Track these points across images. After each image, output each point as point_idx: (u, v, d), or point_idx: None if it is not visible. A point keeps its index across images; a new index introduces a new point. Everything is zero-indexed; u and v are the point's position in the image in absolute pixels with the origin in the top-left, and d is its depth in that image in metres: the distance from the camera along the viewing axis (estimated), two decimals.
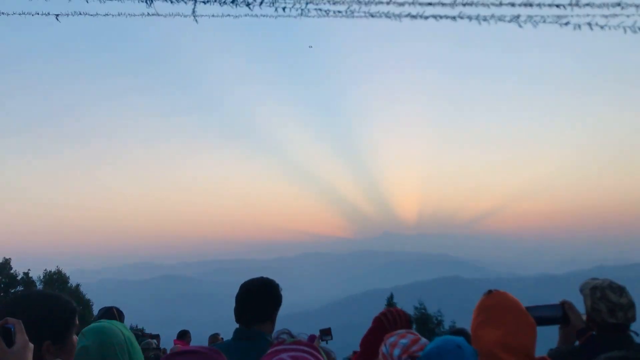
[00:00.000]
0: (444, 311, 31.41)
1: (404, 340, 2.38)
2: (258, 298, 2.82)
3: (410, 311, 30.75)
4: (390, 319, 3.43)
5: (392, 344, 2.39)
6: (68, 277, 34.64)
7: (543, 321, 2.64)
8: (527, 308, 2.62)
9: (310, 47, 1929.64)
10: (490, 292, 2.41)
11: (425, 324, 29.50)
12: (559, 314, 2.67)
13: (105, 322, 2.41)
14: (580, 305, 2.79)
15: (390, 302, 30.27)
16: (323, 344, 8.01)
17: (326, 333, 8.07)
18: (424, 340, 2.40)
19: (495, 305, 2.32)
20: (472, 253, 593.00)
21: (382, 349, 2.41)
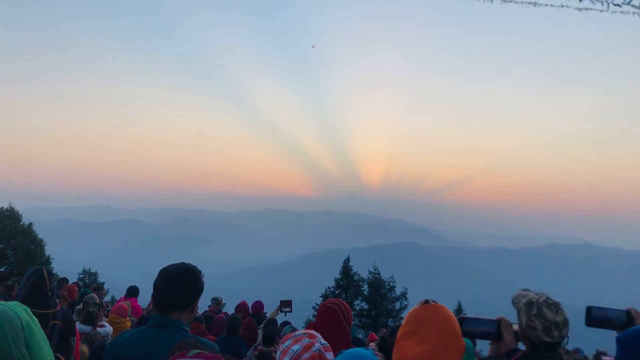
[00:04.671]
0: (398, 277, 31.79)
1: (296, 347, 2.31)
2: (177, 285, 2.66)
3: (365, 275, 31.27)
4: (343, 310, 3.43)
5: (284, 351, 2.32)
6: (21, 215, 33.32)
7: (476, 335, 2.65)
8: (464, 319, 2.60)
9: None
10: (426, 302, 2.17)
11: (378, 288, 29.99)
12: (493, 330, 2.64)
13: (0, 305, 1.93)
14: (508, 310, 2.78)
15: (346, 264, 30.69)
16: (281, 315, 7.96)
17: (286, 304, 7.88)
18: (317, 345, 2.33)
19: (427, 319, 2.08)
20: (432, 221, 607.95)
21: (277, 354, 2.37)
